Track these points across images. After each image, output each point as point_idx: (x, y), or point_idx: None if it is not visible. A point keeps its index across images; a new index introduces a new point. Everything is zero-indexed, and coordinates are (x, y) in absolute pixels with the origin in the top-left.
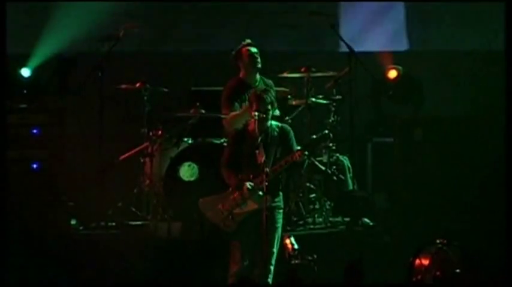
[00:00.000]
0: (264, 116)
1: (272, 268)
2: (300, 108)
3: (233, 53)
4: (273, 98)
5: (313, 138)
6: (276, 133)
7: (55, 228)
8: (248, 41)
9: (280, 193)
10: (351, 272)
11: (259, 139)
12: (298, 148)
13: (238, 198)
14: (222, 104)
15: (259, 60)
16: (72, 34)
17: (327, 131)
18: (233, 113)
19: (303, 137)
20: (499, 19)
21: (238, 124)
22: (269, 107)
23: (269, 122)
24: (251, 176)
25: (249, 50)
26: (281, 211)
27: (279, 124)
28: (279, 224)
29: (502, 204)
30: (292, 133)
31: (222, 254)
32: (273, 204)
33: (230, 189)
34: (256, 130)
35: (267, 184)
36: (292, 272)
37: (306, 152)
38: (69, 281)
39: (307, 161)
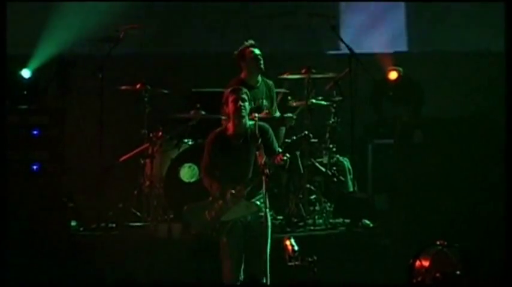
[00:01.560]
0: (243, 108)
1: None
2: (299, 110)
3: (236, 52)
4: (248, 93)
5: (293, 139)
6: (253, 133)
7: (55, 229)
8: (251, 41)
9: (261, 192)
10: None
11: (259, 141)
12: (280, 150)
13: (222, 206)
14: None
15: (262, 62)
16: (73, 35)
17: (306, 132)
18: None
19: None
20: (499, 20)
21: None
22: (245, 96)
23: (248, 122)
24: (233, 182)
25: (252, 52)
26: (267, 209)
27: (257, 123)
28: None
29: (502, 205)
30: (271, 131)
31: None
32: (256, 208)
33: (211, 197)
34: (257, 131)
35: (267, 188)
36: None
37: (288, 155)
38: (69, 282)
39: (288, 163)
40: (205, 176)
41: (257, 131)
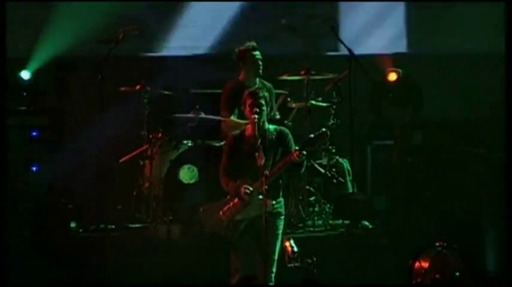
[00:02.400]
0: (259, 111)
1: (273, 275)
2: (294, 111)
3: (236, 50)
4: (266, 95)
5: (311, 137)
6: (273, 136)
7: (55, 230)
8: (253, 44)
9: (281, 199)
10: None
11: (259, 142)
12: (296, 147)
13: (238, 205)
14: (221, 107)
15: (261, 66)
16: (72, 37)
17: (324, 129)
18: (234, 120)
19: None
20: (498, 21)
21: (238, 129)
22: (263, 101)
23: (266, 125)
24: (249, 181)
25: (254, 56)
26: (282, 217)
27: (277, 127)
28: (280, 231)
29: (502, 207)
30: (290, 136)
31: (222, 256)
32: (274, 210)
33: (229, 196)
34: (256, 132)
35: (266, 187)
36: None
37: (304, 152)
38: (69, 283)
39: (305, 162)
40: (223, 176)
41: (257, 132)
